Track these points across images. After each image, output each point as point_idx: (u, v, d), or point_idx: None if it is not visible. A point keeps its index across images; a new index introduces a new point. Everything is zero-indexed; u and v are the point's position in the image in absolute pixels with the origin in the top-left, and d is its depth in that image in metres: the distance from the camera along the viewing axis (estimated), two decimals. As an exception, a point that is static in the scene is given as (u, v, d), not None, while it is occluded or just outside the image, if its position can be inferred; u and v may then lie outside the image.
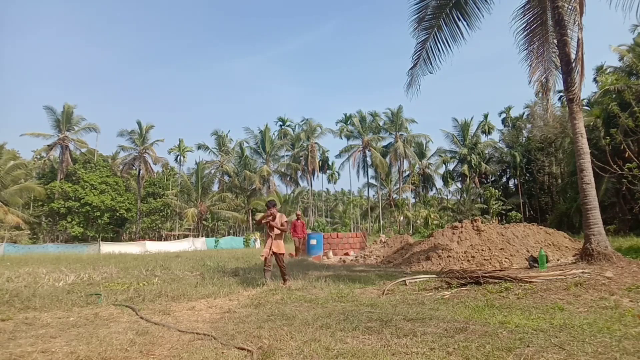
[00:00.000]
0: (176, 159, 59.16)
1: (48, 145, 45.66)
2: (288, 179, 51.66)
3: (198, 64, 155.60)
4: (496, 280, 6.15)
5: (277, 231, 7.61)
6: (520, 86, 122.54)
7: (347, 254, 16.58)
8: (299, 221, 15.45)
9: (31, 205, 45.70)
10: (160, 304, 5.77)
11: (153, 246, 29.92)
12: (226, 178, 50.66)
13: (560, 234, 12.00)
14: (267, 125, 49.69)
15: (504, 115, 51.33)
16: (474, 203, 43.63)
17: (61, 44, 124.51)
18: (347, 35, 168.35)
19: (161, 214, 51.33)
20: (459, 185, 51.85)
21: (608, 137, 13.13)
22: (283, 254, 7.61)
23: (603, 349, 3.12)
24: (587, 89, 60.48)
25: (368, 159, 48.76)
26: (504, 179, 49.49)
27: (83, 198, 42.73)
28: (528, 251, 10.21)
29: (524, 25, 9.09)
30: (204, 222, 48.09)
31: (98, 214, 43.73)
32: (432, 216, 44.22)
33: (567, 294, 5.28)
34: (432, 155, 53.45)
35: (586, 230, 7.59)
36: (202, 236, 42.14)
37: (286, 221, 7.78)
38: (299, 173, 51.81)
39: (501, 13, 10.18)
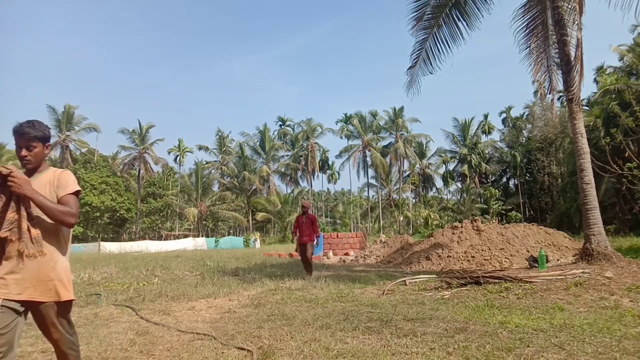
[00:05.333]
0: (176, 159, 59.22)
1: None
2: (288, 179, 51.69)
3: (198, 64, 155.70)
4: (496, 280, 6.15)
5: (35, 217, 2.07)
6: (520, 86, 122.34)
7: (347, 254, 16.59)
8: (304, 216, 9.10)
9: (31, 205, 45.68)
10: (160, 304, 5.77)
11: (153, 246, 29.97)
12: (226, 178, 50.67)
13: (560, 234, 12.00)
14: (266, 125, 49.76)
15: (504, 115, 51.35)
16: (474, 203, 43.64)
17: (61, 44, 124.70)
18: (347, 34, 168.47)
19: (161, 214, 51.36)
20: (459, 185, 51.87)
21: (608, 137, 13.13)
22: (67, 297, 2.22)
23: (603, 349, 3.12)
24: (587, 89, 60.52)
25: (368, 159, 48.73)
26: (504, 179, 49.50)
27: (83, 198, 42.75)
28: (528, 251, 10.21)
29: (524, 24, 9.08)
30: (204, 222, 48.10)
31: (98, 214, 43.75)
32: (432, 216, 44.26)
33: (567, 294, 5.27)
34: (432, 155, 53.46)
35: (586, 230, 7.59)
36: (202, 236, 42.15)
37: (78, 191, 2.22)
38: (299, 173, 51.81)
39: (501, 12, 10.19)
